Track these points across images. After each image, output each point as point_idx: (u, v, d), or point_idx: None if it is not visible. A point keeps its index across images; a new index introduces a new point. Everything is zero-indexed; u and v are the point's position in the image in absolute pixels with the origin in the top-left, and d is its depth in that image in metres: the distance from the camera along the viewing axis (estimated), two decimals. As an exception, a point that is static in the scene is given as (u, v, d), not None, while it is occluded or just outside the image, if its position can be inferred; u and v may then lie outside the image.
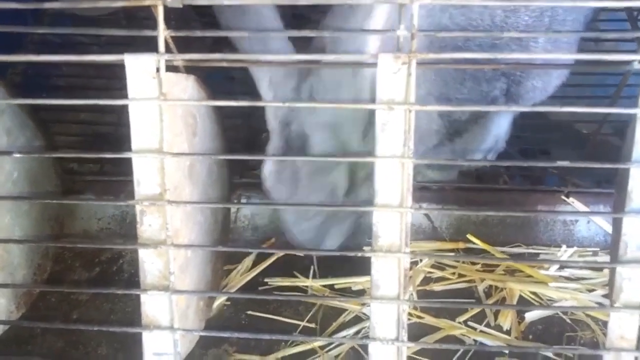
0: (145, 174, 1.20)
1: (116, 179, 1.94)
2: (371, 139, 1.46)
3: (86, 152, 1.94)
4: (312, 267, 1.84)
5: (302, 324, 1.71)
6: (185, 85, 1.25)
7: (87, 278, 1.85)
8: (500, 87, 1.73)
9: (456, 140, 1.78)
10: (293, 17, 2.36)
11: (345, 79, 1.43)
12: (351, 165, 1.53)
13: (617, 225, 1.23)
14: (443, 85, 1.61)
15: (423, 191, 1.91)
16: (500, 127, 1.94)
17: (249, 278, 1.83)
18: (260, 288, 1.80)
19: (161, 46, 1.13)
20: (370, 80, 1.41)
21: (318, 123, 1.48)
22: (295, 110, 1.50)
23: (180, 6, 1.10)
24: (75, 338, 1.68)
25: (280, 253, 1.88)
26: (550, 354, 1.60)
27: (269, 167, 1.56)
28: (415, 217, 1.92)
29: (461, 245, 1.89)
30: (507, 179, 2.09)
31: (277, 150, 1.54)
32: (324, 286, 1.80)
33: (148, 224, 1.23)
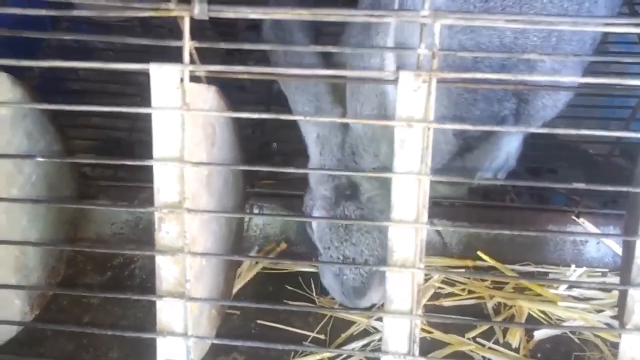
0: (166, 182, 1.22)
1: (131, 184, 1.96)
2: None
3: (103, 158, 1.96)
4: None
5: (312, 334, 1.72)
6: (207, 96, 1.27)
7: (98, 282, 1.87)
8: (510, 107, 1.76)
9: (467, 157, 1.80)
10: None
11: (379, 132, 1.49)
12: None
13: (629, 247, 1.24)
14: (456, 109, 1.64)
15: (434, 207, 1.91)
16: (511, 146, 1.95)
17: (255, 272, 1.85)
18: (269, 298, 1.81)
19: (186, 57, 1.15)
20: None
21: (365, 171, 1.53)
22: (341, 163, 1.56)
23: (207, 18, 1.12)
24: (87, 341, 1.69)
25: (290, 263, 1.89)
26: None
27: (320, 214, 1.60)
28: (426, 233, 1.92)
29: (470, 262, 1.90)
30: (514, 197, 2.10)
31: (326, 200, 1.59)
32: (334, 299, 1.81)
33: (166, 231, 1.24)
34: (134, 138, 2.19)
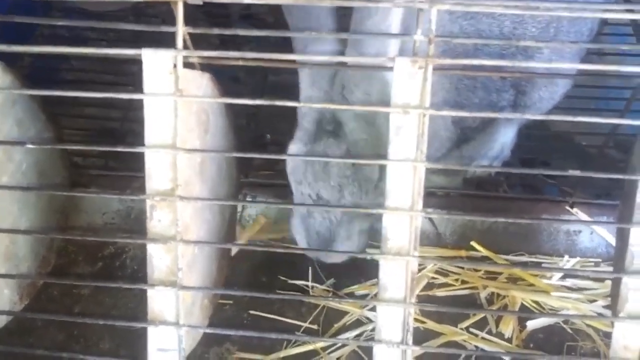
0: (157, 169, 1.20)
1: (122, 174, 1.94)
2: None
3: (95, 145, 1.94)
4: (315, 268, 1.85)
5: (305, 325, 1.72)
6: (201, 83, 1.25)
7: (89, 272, 1.86)
8: (507, 99, 1.76)
9: (464, 147, 1.80)
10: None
11: (374, 73, 1.43)
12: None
13: (623, 236, 1.24)
14: (457, 94, 1.64)
15: (428, 197, 1.91)
16: (506, 136, 1.95)
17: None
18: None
19: (179, 42, 1.13)
20: None
21: (352, 113, 1.47)
22: (328, 96, 1.48)
23: (201, 3, 1.11)
24: (77, 331, 1.68)
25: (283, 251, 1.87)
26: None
27: (296, 148, 1.53)
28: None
29: (464, 252, 1.90)
30: (507, 188, 2.10)
31: (306, 132, 1.52)
32: (327, 289, 1.81)
33: (158, 219, 1.23)
34: (127, 128, 2.17)
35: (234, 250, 1.81)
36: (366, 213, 1.54)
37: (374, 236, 1.61)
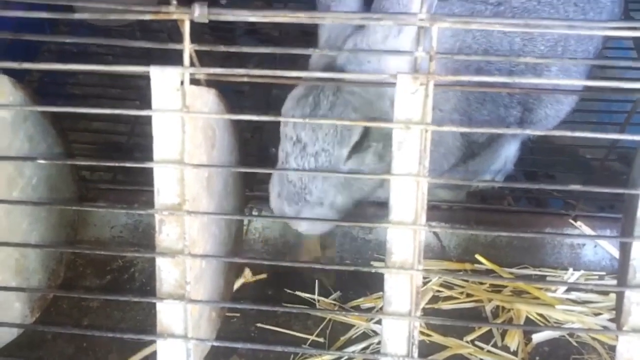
0: (166, 184, 1.22)
1: (130, 188, 1.96)
2: None
3: (104, 161, 1.96)
4: (321, 282, 1.86)
5: (311, 337, 1.73)
6: (207, 99, 1.28)
7: (98, 285, 1.87)
8: (515, 115, 1.79)
9: (470, 162, 1.82)
10: (304, 35, 2.41)
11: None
12: (367, 133, 1.51)
13: (625, 249, 1.25)
14: (467, 104, 1.66)
15: (433, 210, 1.92)
16: (510, 151, 1.97)
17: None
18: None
19: (186, 60, 1.16)
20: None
21: (356, 69, 1.50)
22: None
23: (207, 21, 1.13)
24: (86, 344, 1.70)
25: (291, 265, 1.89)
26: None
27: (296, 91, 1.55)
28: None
29: (468, 265, 1.91)
30: (511, 201, 2.11)
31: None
32: (333, 302, 1.82)
33: (166, 234, 1.25)
34: (134, 142, 2.20)
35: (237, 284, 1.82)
36: (346, 184, 1.55)
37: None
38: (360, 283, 1.85)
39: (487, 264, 1.89)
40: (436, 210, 1.94)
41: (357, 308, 1.80)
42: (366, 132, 1.50)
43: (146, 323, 1.71)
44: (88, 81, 2.47)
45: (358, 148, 1.51)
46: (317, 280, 1.86)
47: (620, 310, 1.24)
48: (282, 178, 1.55)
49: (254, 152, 2.18)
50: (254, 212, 1.96)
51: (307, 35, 2.16)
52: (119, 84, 2.37)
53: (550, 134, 1.13)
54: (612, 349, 1.65)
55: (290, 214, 1.54)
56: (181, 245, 1.25)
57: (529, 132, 1.72)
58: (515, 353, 1.69)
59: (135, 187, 1.94)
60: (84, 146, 2.19)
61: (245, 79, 1.22)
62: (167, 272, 1.27)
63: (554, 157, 2.22)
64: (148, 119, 1.18)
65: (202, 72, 1.18)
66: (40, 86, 2.42)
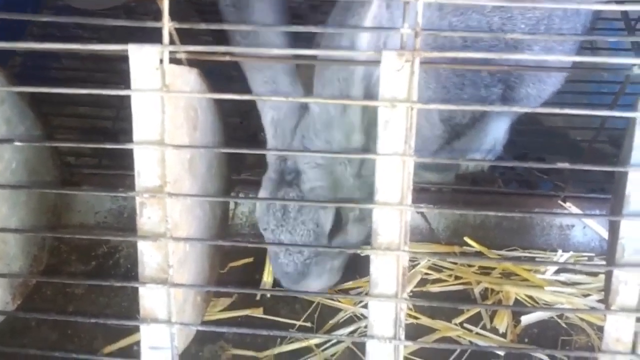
0: (146, 166, 1.20)
1: (114, 172, 1.93)
2: (364, 178, 1.53)
3: (85, 143, 1.92)
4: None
5: (299, 323, 1.71)
6: (188, 78, 1.25)
7: (83, 271, 1.85)
8: (497, 93, 1.75)
9: (454, 144, 1.79)
10: (294, 17, 2.37)
11: (336, 119, 1.48)
12: (340, 208, 1.58)
13: (614, 228, 1.24)
14: (445, 93, 1.63)
15: (421, 193, 1.92)
16: (498, 131, 1.95)
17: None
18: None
19: (165, 37, 1.13)
20: (359, 117, 1.47)
21: (311, 161, 1.54)
22: (292, 146, 1.56)
23: (186, -2, 1.10)
24: (71, 331, 1.67)
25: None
26: (545, 357, 1.61)
27: (262, 195, 1.62)
28: (412, 218, 1.92)
29: (457, 248, 1.90)
30: (502, 184, 2.10)
31: (271, 181, 1.60)
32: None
33: (147, 217, 1.23)
34: (119, 127, 2.16)
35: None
36: (338, 251, 1.64)
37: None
38: (348, 267, 1.84)
39: (476, 246, 1.88)
40: (425, 193, 1.92)
41: (346, 292, 1.78)
42: (339, 215, 1.57)
43: (131, 309, 1.69)
44: (72, 65, 2.43)
45: (337, 229, 1.58)
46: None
47: (609, 289, 1.23)
48: (279, 269, 1.62)
49: (243, 137, 2.15)
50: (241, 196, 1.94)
51: (293, 18, 2.13)
52: (103, 68, 2.33)
53: (539, 111, 1.10)
54: (600, 329, 1.64)
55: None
56: (163, 229, 1.23)
57: (516, 109, 1.67)
58: (504, 335, 1.69)
59: (121, 172, 1.91)
60: (69, 131, 2.16)
61: (227, 58, 1.20)
62: (149, 255, 1.25)
63: (543, 140, 2.21)
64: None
65: (182, 50, 1.15)
66: (23, 70, 2.38)
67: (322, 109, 1.47)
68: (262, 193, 1.61)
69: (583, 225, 1.91)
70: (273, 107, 1.56)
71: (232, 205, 1.92)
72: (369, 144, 1.49)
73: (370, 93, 1.41)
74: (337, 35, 1.36)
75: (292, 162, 1.56)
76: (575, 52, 1.85)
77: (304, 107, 1.53)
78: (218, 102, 1.46)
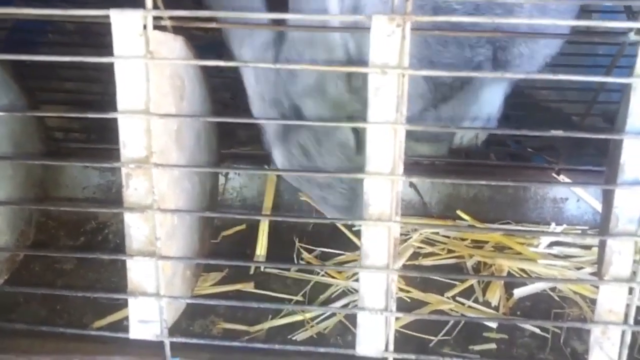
0: (131, 136, 1.17)
1: (102, 146, 1.90)
2: (357, 87, 1.44)
3: (69, 114, 1.89)
4: (301, 239, 1.83)
5: (290, 297, 1.70)
6: (173, 46, 1.22)
7: (71, 247, 1.83)
8: (484, 54, 1.69)
9: (442, 107, 1.75)
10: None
11: (317, 37, 1.40)
12: (355, 119, 1.46)
13: (608, 198, 1.22)
14: (425, 48, 1.57)
15: (414, 166, 1.90)
16: (491, 102, 1.92)
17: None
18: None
19: (149, 2, 1.09)
20: (340, 35, 1.39)
21: (304, 89, 1.45)
22: (278, 85, 1.48)
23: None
24: (60, 307, 1.66)
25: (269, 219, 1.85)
26: (537, 330, 1.60)
27: (277, 152, 1.54)
28: (405, 193, 1.90)
29: (450, 221, 1.88)
30: (495, 159, 2.08)
31: (277, 132, 1.52)
32: (311, 260, 1.79)
33: (134, 188, 1.20)
34: (107, 101, 2.12)
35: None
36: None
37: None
38: (340, 241, 1.82)
39: (469, 220, 1.86)
40: (418, 166, 1.90)
41: (337, 266, 1.77)
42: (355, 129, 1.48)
43: (121, 285, 1.65)
44: (58, 40, 2.39)
45: (361, 140, 1.46)
46: (296, 238, 1.83)
47: (602, 259, 1.22)
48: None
49: (233, 114, 2.11)
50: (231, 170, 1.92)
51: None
52: (91, 42, 2.29)
53: (530, 77, 1.08)
54: (593, 302, 1.63)
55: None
56: (150, 200, 1.20)
57: (509, 75, 1.63)
58: (496, 308, 1.68)
59: (108, 146, 1.88)
60: (56, 107, 2.12)
61: (214, 25, 1.16)
62: (136, 228, 1.23)
63: (536, 115, 2.18)
64: (119, 75, 1.12)
65: (166, 15, 1.12)
66: (9, 45, 2.33)
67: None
68: (277, 153, 1.53)
69: (577, 198, 1.90)
70: (248, 46, 1.48)
71: (222, 180, 1.90)
72: (351, 58, 1.43)
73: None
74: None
75: (287, 99, 1.48)
76: (573, 13, 1.78)
77: (280, 37, 1.45)
78: (205, 73, 1.43)
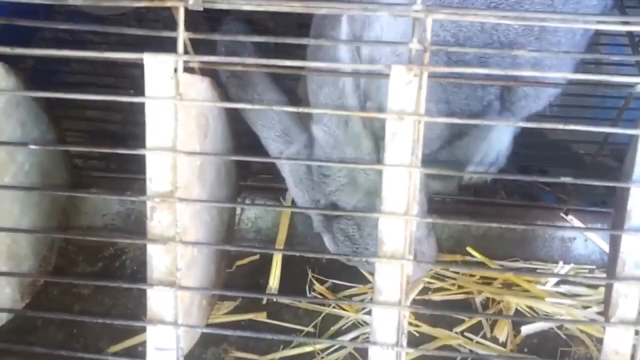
0: (158, 172, 1.22)
1: (123, 176, 1.96)
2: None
3: (98, 147, 1.96)
4: (313, 271, 1.87)
5: (302, 328, 1.73)
6: (200, 87, 1.28)
7: (89, 272, 1.87)
8: (494, 92, 1.75)
9: (456, 145, 1.80)
10: (299, 27, 2.40)
11: (341, 136, 1.49)
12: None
13: (615, 242, 1.26)
14: (442, 90, 1.63)
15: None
16: (501, 142, 1.96)
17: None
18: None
19: (180, 47, 1.15)
20: (361, 126, 1.48)
21: (337, 188, 1.55)
22: (315, 189, 1.58)
23: (201, 9, 1.13)
24: (77, 331, 1.70)
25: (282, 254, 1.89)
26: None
27: (326, 239, 1.64)
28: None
29: (460, 257, 1.92)
30: (504, 196, 2.12)
31: (323, 222, 1.62)
32: (324, 293, 1.83)
33: (158, 221, 1.25)
34: (127, 131, 2.19)
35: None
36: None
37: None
38: (352, 274, 1.86)
39: (478, 257, 1.90)
40: (428, 203, 1.94)
41: (349, 298, 1.80)
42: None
43: (137, 311, 1.71)
44: (82, 70, 2.45)
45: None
46: (309, 270, 1.87)
47: (609, 302, 1.25)
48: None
49: (250, 143, 2.17)
50: (247, 202, 1.96)
51: (303, 27, 2.15)
52: (113, 73, 2.36)
53: (543, 126, 1.13)
54: (599, 341, 1.66)
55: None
56: (173, 233, 1.25)
57: (520, 124, 1.68)
58: (504, 345, 1.70)
59: (128, 175, 1.94)
60: (77, 134, 2.18)
61: (240, 68, 1.22)
62: (158, 258, 1.27)
63: (547, 153, 2.23)
64: (142, 108, 1.18)
65: (196, 60, 1.18)
66: (34, 74, 2.40)
67: (325, 132, 1.49)
68: (326, 240, 1.64)
69: (584, 238, 1.93)
70: (288, 160, 1.61)
71: (238, 211, 1.95)
72: (378, 148, 1.50)
73: (364, 103, 1.43)
74: (317, 49, 1.38)
75: (323, 198, 1.58)
76: (577, 60, 1.82)
77: (309, 143, 1.56)
78: (228, 110, 1.49)
